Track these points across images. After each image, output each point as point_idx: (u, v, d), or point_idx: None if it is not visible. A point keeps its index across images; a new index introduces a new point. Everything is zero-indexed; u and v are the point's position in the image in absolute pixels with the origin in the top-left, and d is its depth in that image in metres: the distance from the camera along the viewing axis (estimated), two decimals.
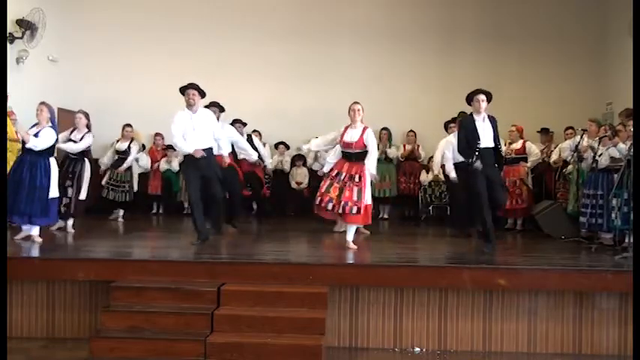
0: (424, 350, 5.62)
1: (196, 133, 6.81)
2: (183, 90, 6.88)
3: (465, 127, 6.67)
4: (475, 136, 6.51)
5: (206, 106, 7.50)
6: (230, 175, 7.73)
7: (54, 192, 6.92)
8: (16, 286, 5.71)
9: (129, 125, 9.48)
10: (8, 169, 7.20)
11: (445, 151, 8.08)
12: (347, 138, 6.74)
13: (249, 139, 9.36)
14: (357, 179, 6.59)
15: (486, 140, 6.59)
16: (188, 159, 6.96)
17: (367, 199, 6.63)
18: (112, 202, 9.35)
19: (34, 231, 6.83)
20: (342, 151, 6.87)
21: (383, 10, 11.16)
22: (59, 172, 7.25)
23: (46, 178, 6.82)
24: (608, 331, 5.58)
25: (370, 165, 6.71)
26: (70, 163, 7.83)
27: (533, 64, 10.93)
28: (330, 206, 6.55)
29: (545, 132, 9.62)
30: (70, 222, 7.83)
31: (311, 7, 11.19)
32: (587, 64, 10.81)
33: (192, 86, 6.85)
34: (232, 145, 8.05)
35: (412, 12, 11.15)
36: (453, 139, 7.87)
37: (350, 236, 6.69)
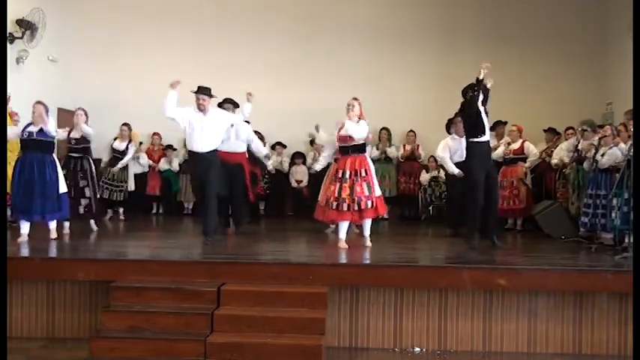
0: (424, 350, 5.62)
1: (204, 134, 6.88)
2: (194, 92, 6.95)
3: (471, 106, 6.79)
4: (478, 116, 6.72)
5: (220, 104, 7.54)
6: (236, 175, 7.71)
7: (63, 187, 7.03)
8: (16, 286, 5.70)
9: (125, 124, 9.51)
10: (9, 169, 7.23)
11: (442, 154, 8.04)
12: (342, 132, 6.74)
13: None
14: (363, 173, 6.62)
15: (488, 134, 6.81)
16: (190, 159, 7.04)
17: (377, 191, 6.71)
18: (107, 201, 9.32)
19: (52, 225, 7.02)
20: (339, 147, 6.85)
21: (383, 11, 11.16)
22: (66, 172, 7.42)
23: (55, 174, 6.93)
24: (608, 331, 5.58)
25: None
26: (77, 162, 7.82)
27: (533, 64, 10.92)
28: (345, 207, 6.54)
29: (551, 131, 9.57)
30: (93, 221, 7.96)
31: (311, 8, 11.19)
32: (587, 64, 10.81)
33: (202, 91, 6.92)
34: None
35: (412, 12, 11.15)
36: (450, 141, 7.98)
37: (367, 232, 6.84)
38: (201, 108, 6.90)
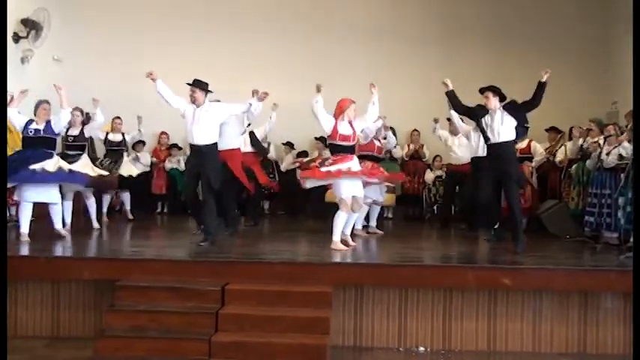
0: (428, 350, 5.62)
1: (199, 127, 6.77)
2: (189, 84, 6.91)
3: (477, 115, 7.01)
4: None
5: None
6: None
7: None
8: (21, 285, 5.72)
9: (118, 117, 9.52)
10: None
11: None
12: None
13: None
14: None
15: (501, 135, 6.74)
16: (189, 155, 6.99)
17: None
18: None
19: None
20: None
21: (386, 10, 11.16)
22: None
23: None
24: (613, 331, 5.58)
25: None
26: (74, 159, 7.83)
27: (537, 63, 10.82)
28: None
29: (553, 130, 9.54)
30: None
31: (313, 7, 11.19)
32: (592, 63, 10.77)
33: (194, 84, 6.85)
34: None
35: (415, 11, 11.15)
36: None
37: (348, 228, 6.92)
38: (192, 100, 6.82)
